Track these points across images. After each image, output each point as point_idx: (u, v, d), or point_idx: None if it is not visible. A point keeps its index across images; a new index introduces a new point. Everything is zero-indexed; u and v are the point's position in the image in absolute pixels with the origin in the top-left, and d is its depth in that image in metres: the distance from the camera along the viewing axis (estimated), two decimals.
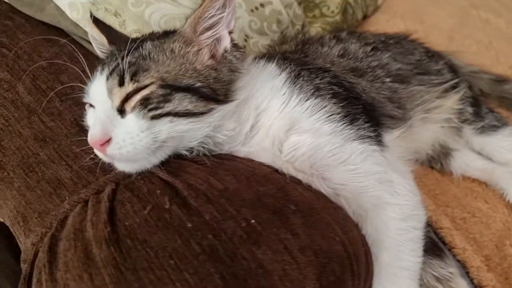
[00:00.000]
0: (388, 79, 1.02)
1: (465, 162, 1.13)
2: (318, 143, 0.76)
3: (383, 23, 1.65)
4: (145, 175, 0.70)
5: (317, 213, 0.69)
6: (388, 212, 0.78)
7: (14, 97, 0.86)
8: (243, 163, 0.75)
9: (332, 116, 0.78)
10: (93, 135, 0.67)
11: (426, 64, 1.15)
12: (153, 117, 0.68)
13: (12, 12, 1.06)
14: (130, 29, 0.99)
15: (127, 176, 0.71)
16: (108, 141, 0.67)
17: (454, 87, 1.13)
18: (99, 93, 0.71)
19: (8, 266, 1.26)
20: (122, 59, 0.71)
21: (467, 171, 1.13)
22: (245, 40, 1.11)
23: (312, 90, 0.80)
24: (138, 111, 0.68)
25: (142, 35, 0.83)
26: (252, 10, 1.13)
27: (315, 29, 1.38)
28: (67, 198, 0.71)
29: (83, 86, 0.86)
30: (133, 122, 0.68)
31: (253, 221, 0.62)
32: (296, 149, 0.77)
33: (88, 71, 0.78)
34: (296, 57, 0.97)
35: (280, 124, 0.78)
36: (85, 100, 0.76)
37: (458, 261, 0.89)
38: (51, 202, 0.72)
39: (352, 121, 0.80)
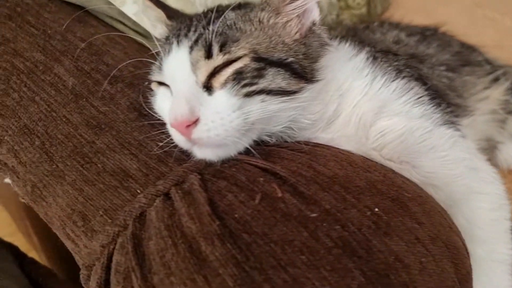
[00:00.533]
0: (442, 67, 0.98)
1: (510, 154, 1.10)
2: (409, 127, 0.70)
3: (398, 19, 1.63)
4: (233, 163, 0.61)
5: (426, 202, 0.62)
6: (478, 202, 0.73)
7: (54, 80, 0.74)
8: (332, 149, 0.67)
9: (421, 98, 0.72)
10: (180, 114, 0.57)
11: (466, 55, 1.12)
12: (247, 95, 0.60)
13: None
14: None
15: (208, 165, 0.62)
16: (196, 122, 0.58)
17: (496, 79, 1.11)
18: (179, 68, 0.61)
19: (14, 275, 1.12)
20: (204, 28, 0.62)
21: None
22: None
23: (395, 71, 0.74)
24: (230, 87, 0.59)
25: (210, 8, 0.74)
26: None
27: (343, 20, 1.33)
28: (138, 191, 0.61)
29: (132, 69, 0.76)
30: (224, 100, 0.59)
31: (376, 209, 0.54)
32: (384, 134, 0.70)
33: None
34: (359, 41, 0.91)
35: (366, 108, 0.71)
36: (155, 79, 0.66)
37: None
38: (118, 197, 0.61)
39: (437, 104, 0.74)
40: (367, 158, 0.68)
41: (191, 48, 0.61)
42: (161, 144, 0.65)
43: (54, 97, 0.72)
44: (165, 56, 0.64)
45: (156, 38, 0.72)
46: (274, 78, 0.61)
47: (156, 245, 0.52)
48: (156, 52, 0.70)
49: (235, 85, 0.59)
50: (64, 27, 0.83)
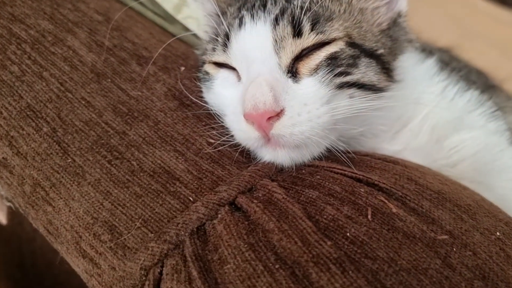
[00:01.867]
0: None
1: None
2: (487, 143, 0.62)
3: None
4: (310, 170, 0.50)
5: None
6: None
7: (67, 54, 0.58)
8: (405, 162, 0.58)
9: (496, 113, 0.65)
10: (263, 102, 0.45)
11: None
12: (339, 86, 0.49)
13: None
14: None
15: (277, 171, 0.50)
16: (280, 113, 0.46)
17: None
18: (257, 46, 0.49)
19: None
20: (287, 1, 0.51)
21: None
22: None
23: (465, 81, 0.67)
24: (322, 75, 0.48)
25: None
26: None
27: None
28: (191, 198, 0.47)
29: (163, 51, 0.63)
30: (314, 90, 0.48)
31: (498, 233, 0.45)
32: (460, 149, 0.62)
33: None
34: None
35: (441, 118, 0.62)
36: (215, 60, 0.54)
37: None
38: (162, 205, 0.47)
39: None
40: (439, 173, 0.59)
41: (275, 23, 0.49)
42: (214, 142, 0.52)
43: (69, 74, 0.56)
44: (233, 32, 0.52)
45: (207, 14, 0.59)
46: (367, 70, 0.51)
47: (237, 270, 0.39)
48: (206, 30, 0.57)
49: (328, 72, 0.48)
50: None
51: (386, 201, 0.43)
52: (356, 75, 0.50)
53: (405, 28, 0.61)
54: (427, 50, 0.73)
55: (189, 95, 0.56)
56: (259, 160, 0.51)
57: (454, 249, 0.40)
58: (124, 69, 0.58)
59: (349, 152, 0.54)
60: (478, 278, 0.39)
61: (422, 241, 0.40)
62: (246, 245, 0.40)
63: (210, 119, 0.55)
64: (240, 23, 0.52)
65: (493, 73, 0.93)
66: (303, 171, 0.49)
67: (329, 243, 0.38)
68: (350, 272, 0.36)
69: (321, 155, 0.52)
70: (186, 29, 0.75)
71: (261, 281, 0.37)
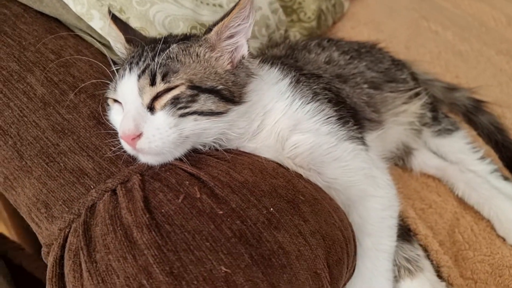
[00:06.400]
0: (365, 86, 1.15)
1: (423, 160, 1.30)
2: (317, 142, 0.87)
3: (348, 30, 1.79)
4: (168, 167, 0.77)
5: (319, 203, 0.80)
6: (372, 203, 0.91)
7: (26, 88, 0.88)
8: (252, 158, 0.84)
9: (329, 119, 0.89)
10: (127, 130, 0.73)
11: (393, 72, 1.30)
12: (181, 115, 0.76)
13: (6, 1, 1.07)
14: (133, 26, 1.04)
15: (149, 167, 0.78)
16: (139, 135, 0.74)
17: (417, 94, 1.29)
18: (129, 91, 0.77)
19: None
20: (152, 59, 0.77)
21: (424, 168, 1.30)
22: None
23: (311, 95, 0.91)
24: (168, 109, 0.75)
25: (162, 36, 0.89)
26: None
27: (292, 33, 1.48)
28: (92, 187, 0.77)
29: (95, 80, 0.91)
30: (163, 119, 0.75)
31: (272, 209, 0.71)
32: (297, 146, 0.87)
33: (109, 69, 0.83)
34: (292, 62, 1.07)
35: (284, 124, 0.88)
36: (110, 96, 0.82)
37: (420, 245, 1.04)
38: (75, 191, 0.77)
39: (344, 123, 0.92)
40: (279, 166, 0.85)
41: (139, 76, 0.77)
42: (113, 149, 0.81)
43: (26, 104, 0.86)
44: (119, 79, 0.79)
45: (112, 61, 0.86)
46: (205, 102, 0.77)
47: (100, 230, 0.68)
48: (114, 70, 0.85)
49: (172, 107, 0.75)
50: (37, 39, 0.97)
51: (197, 189, 0.71)
52: (195, 107, 0.76)
53: (247, 66, 0.85)
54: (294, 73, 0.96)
55: (102, 116, 0.85)
56: (139, 161, 0.79)
57: (228, 219, 0.68)
58: (63, 99, 0.87)
59: (217, 150, 0.82)
60: (236, 237, 0.66)
61: (208, 215, 0.68)
62: (108, 216, 0.69)
63: (115, 134, 0.83)
64: (123, 74, 0.79)
65: None
66: (163, 168, 0.77)
67: (147, 215, 0.67)
68: (153, 232, 0.65)
69: (183, 156, 0.79)
70: None
71: (109, 236, 0.66)
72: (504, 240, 1.16)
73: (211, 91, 0.78)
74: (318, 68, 1.10)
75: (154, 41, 0.85)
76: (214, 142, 0.84)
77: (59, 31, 1.04)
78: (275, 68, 0.95)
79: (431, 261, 1.03)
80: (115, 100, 0.81)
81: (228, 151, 0.85)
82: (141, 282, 0.61)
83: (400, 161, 1.30)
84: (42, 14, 1.06)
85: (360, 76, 1.17)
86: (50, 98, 0.87)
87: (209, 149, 0.84)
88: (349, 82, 1.11)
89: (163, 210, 0.68)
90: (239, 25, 0.82)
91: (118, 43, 0.92)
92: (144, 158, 0.78)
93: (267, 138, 0.89)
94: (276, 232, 0.69)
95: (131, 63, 0.80)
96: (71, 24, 1.06)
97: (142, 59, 0.79)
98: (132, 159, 0.80)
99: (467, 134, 1.31)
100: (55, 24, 1.06)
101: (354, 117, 1.00)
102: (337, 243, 0.75)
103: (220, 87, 0.80)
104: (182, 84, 0.76)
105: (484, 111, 1.43)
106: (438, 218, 1.19)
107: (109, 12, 0.93)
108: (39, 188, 0.79)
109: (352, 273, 0.87)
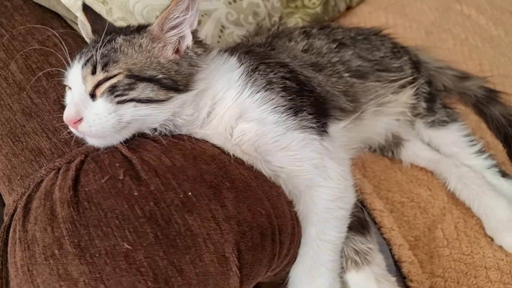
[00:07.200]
0: (346, 74, 1.12)
1: (414, 152, 1.24)
2: (262, 131, 0.88)
3: (365, 15, 1.73)
4: (110, 150, 0.83)
5: (251, 190, 0.81)
6: (319, 193, 0.91)
7: (7, 75, 0.99)
8: (196, 144, 0.88)
9: (277, 108, 0.89)
10: (68, 114, 0.80)
11: (388, 61, 1.24)
12: (119, 102, 0.81)
13: None
14: (116, 16, 1.10)
15: (95, 149, 0.85)
16: (81, 120, 0.80)
17: (411, 82, 1.23)
18: (76, 78, 0.84)
19: None
20: (96, 50, 0.83)
21: (416, 160, 1.25)
22: (221, 31, 1.22)
23: (264, 84, 0.92)
24: (106, 96, 0.81)
25: (120, 27, 0.95)
26: (230, 3, 1.23)
27: (295, 20, 1.47)
28: (44, 165, 0.85)
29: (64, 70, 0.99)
30: (102, 105, 0.81)
31: (190, 193, 0.75)
32: (243, 134, 0.89)
33: (68, 57, 0.90)
34: (261, 51, 1.08)
35: (232, 113, 0.90)
36: (64, 83, 0.89)
37: (384, 239, 1.01)
38: (31, 168, 0.86)
39: (297, 112, 0.91)
40: (221, 153, 0.88)
41: (83, 65, 0.83)
42: (68, 131, 0.88)
43: (5, 89, 0.97)
44: (70, 68, 0.87)
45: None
46: (144, 90, 0.82)
47: (36, 203, 0.76)
48: None
49: (110, 95, 0.81)
50: (27, 30, 1.07)
51: (121, 171, 0.76)
52: (132, 95, 0.81)
53: (191, 56, 0.88)
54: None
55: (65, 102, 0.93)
56: (87, 143, 0.86)
57: (142, 200, 0.72)
58: (37, 84, 0.97)
59: (166, 135, 0.87)
60: (145, 217, 0.71)
61: (124, 195, 0.73)
62: (44, 191, 0.77)
63: None
64: (73, 63, 0.86)
65: None
66: (105, 150, 0.84)
67: (71, 193, 0.73)
68: (71, 208, 0.71)
69: (129, 139, 0.85)
70: None
71: (39, 209, 0.74)
72: (492, 240, 1.09)
73: (151, 79, 0.83)
74: (293, 57, 1.09)
75: (108, 33, 0.91)
76: (164, 128, 0.89)
77: (52, 22, 1.14)
78: (234, 57, 0.96)
79: (393, 255, 1.00)
80: (69, 87, 0.88)
81: (176, 136, 0.89)
82: (54, 251, 0.68)
83: (388, 153, 1.26)
84: (41, 6, 1.17)
85: (342, 64, 1.14)
86: (25, 84, 0.97)
87: (160, 134, 0.89)
88: (325, 71, 1.10)
89: (86, 189, 0.74)
90: (178, 17, 0.85)
91: (87, 33, 0.99)
92: (90, 141, 0.84)
93: (217, 125, 0.91)
94: (188, 215, 0.72)
95: (81, 53, 0.87)
96: (63, 15, 1.15)
97: (90, 49, 0.86)
98: (84, 142, 0.87)
99: (464, 126, 1.23)
100: (49, 15, 1.16)
101: (321, 106, 0.99)
102: (255, 230, 0.77)
103: (160, 76, 0.84)
104: (120, 73, 0.81)
105: (497, 102, 1.34)
106: (419, 212, 1.14)
107: (82, 3, 1.00)
108: (6, 164, 0.89)
109: (293, 260, 0.88)
